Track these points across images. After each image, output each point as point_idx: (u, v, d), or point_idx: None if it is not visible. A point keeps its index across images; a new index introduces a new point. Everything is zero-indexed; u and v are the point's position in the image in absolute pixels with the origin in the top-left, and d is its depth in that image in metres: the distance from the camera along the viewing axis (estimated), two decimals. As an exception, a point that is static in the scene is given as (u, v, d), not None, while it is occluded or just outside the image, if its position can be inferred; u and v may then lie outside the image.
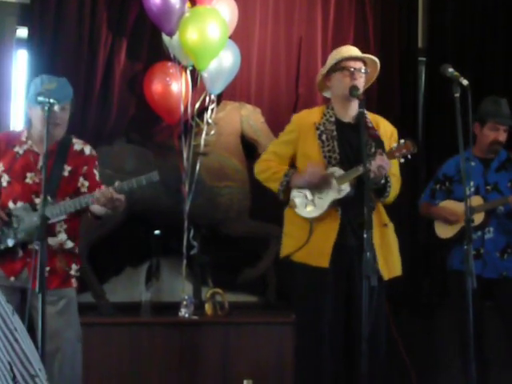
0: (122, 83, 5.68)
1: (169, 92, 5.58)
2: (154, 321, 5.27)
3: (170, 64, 5.59)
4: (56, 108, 3.95)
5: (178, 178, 5.48)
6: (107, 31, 5.62)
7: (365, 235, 3.41)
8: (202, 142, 5.67)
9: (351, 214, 3.92)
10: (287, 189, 4.07)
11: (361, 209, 3.58)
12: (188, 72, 5.60)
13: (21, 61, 5.64)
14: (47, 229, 3.95)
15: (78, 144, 4.18)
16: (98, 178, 4.16)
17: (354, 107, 4.07)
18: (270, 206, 5.86)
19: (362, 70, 4.03)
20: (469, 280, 3.38)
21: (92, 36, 5.59)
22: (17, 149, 4.05)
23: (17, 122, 5.52)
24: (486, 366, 4.73)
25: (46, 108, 3.75)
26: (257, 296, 6.04)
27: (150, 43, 5.71)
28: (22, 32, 5.58)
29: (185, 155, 5.56)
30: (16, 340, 1.34)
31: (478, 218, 4.76)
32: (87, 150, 4.19)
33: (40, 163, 4.05)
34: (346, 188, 3.88)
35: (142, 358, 5.05)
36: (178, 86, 5.58)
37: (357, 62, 4.04)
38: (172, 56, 5.53)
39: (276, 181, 4.08)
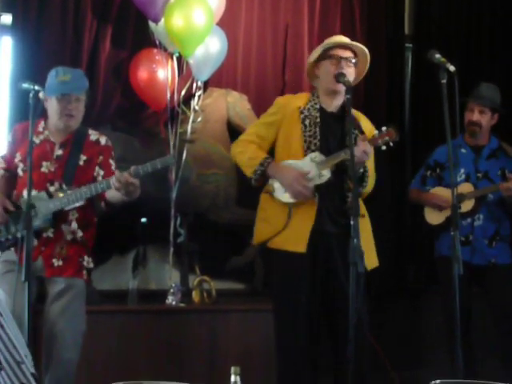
0: (108, 70, 5.64)
1: (155, 79, 5.55)
2: (141, 309, 5.27)
3: (155, 51, 5.56)
4: (71, 99, 4.06)
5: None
6: (92, 17, 5.58)
7: (352, 222, 3.40)
8: (189, 129, 5.65)
9: (328, 201, 3.91)
10: (261, 177, 4.04)
11: (338, 195, 3.58)
12: (174, 59, 5.58)
13: (5, 47, 5.60)
14: (60, 217, 3.99)
15: (93, 135, 4.24)
16: (113, 167, 4.18)
17: (339, 98, 4.05)
18: (257, 193, 5.87)
19: (352, 60, 4.00)
20: (455, 266, 3.39)
21: (77, 22, 5.55)
22: (34, 138, 4.03)
23: (1, 108, 5.48)
24: (473, 351, 4.75)
25: (31, 95, 3.75)
26: (244, 283, 6.04)
27: (135, 30, 5.67)
28: (6, 19, 5.53)
29: (171, 142, 5.55)
30: (1, 326, 1.33)
31: (468, 205, 4.77)
32: (103, 140, 4.23)
33: (56, 152, 4.08)
34: (326, 173, 3.86)
35: (129, 345, 5.04)
36: (164, 72, 5.55)
37: (346, 51, 4.01)
38: (158, 42, 5.50)
39: (251, 167, 4.04)
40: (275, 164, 4.00)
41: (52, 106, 4.10)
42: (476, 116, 4.89)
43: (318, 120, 3.99)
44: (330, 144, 3.92)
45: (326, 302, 3.94)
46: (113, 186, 3.89)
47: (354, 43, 4.09)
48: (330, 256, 3.93)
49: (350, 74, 3.97)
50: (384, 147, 3.86)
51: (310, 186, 3.89)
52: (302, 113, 4.01)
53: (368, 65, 4.08)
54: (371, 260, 3.96)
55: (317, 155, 3.91)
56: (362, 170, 3.85)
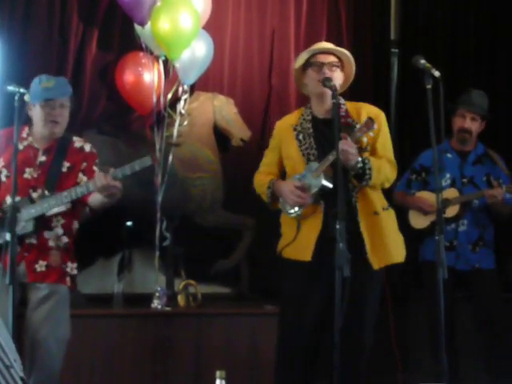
0: (94, 73, 5.64)
1: (141, 82, 5.55)
2: (126, 312, 5.25)
3: (141, 54, 5.56)
4: (55, 105, 4.02)
5: (150, 169, 5.45)
6: (78, 20, 5.57)
7: (337, 226, 3.41)
8: (175, 133, 5.65)
9: (334, 206, 3.90)
10: (274, 199, 4.08)
11: (343, 197, 3.57)
12: (160, 62, 5.58)
13: (-9, 50, 5.58)
14: (43, 223, 3.97)
15: (78, 142, 4.20)
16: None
17: (329, 102, 4.05)
18: (243, 197, 5.88)
19: (336, 65, 4.00)
20: (440, 270, 3.40)
21: (63, 25, 5.54)
22: (18, 145, 3.99)
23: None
24: (457, 355, 4.77)
25: (17, 97, 3.75)
26: (230, 287, 6.04)
27: (121, 33, 5.67)
28: (-8, 21, 5.52)
29: (157, 146, 5.54)
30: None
31: (453, 211, 4.79)
32: (87, 147, 4.20)
33: (39, 159, 4.07)
34: (320, 180, 3.87)
35: (115, 349, 5.03)
36: (150, 76, 5.55)
37: (328, 56, 4.01)
38: (144, 46, 5.50)
39: (263, 194, 4.14)
40: (277, 182, 4.05)
41: (36, 113, 4.07)
42: (468, 123, 4.91)
43: (311, 130, 4.01)
44: (326, 150, 3.92)
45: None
46: (93, 188, 3.87)
47: (335, 48, 4.08)
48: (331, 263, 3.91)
49: (336, 78, 3.96)
50: (365, 139, 3.85)
51: (304, 194, 3.90)
52: (295, 130, 4.04)
53: (354, 68, 4.08)
54: (386, 257, 3.94)
55: (312, 165, 3.92)
56: (360, 165, 3.84)
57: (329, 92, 3.87)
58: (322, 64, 3.96)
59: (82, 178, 4.09)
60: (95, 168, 4.15)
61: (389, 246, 3.95)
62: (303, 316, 3.92)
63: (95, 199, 3.99)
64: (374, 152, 3.97)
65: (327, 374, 3.93)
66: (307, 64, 4.03)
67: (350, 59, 4.04)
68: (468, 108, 4.90)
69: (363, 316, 3.89)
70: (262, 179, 4.16)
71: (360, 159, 3.81)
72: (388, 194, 4.18)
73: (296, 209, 3.93)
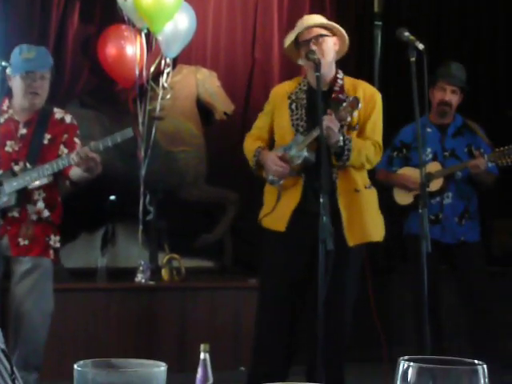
0: (75, 46, 5.59)
1: (123, 55, 5.51)
2: (110, 286, 5.26)
3: (124, 27, 5.52)
4: (35, 77, 3.99)
5: (133, 143, 5.43)
6: (60, -8, 5.52)
7: (321, 200, 3.41)
8: (158, 107, 5.62)
9: (315, 180, 3.91)
10: (259, 167, 4.08)
11: (326, 171, 3.58)
12: (143, 35, 5.54)
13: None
14: (25, 196, 3.95)
15: (58, 113, 4.18)
16: (78, 146, 4.11)
17: (326, 74, 4.01)
18: (226, 171, 5.88)
19: (322, 36, 3.97)
20: (423, 243, 3.41)
21: (44, -3, 5.49)
22: None
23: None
24: (440, 328, 4.80)
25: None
26: (213, 261, 6.05)
27: (103, 5, 5.62)
28: (-28, -6, 5.46)
29: (140, 120, 5.52)
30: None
31: (437, 184, 4.80)
32: (68, 118, 4.17)
33: (20, 131, 4.04)
34: (303, 153, 3.87)
35: (99, 323, 5.04)
36: (133, 49, 5.51)
37: (312, 30, 4.00)
38: (126, 19, 5.45)
39: (250, 160, 4.14)
40: (263, 152, 4.05)
41: (16, 84, 4.04)
42: (448, 96, 4.90)
43: (305, 102, 4.00)
44: (316, 123, 3.91)
45: (314, 281, 3.95)
46: (72, 162, 3.85)
47: (318, 22, 4.06)
48: (313, 235, 3.93)
49: (324, 50, 3.93)
50: (349, 118, 3.85)
51: (285, 165, 3.90)
52: (289, 98, 4.03)
53: (345, 37, 4.03)
54: (362, 235, 3.95)
55: (299, 137, 3.92)
56: (341, 144, 3.84)
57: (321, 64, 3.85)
58: (308, 41, 3.95)
59: (64, 150, 4.07)
60: (76, 140, 4.13)
61: (367, 224, 3.95)
62: (279, 284, 3.96)
63: (75, 172, 3.97)
64: (362, 132, 3.95)
65: (307, 348, 3.98)
66: (297, 41, 4.02)
67: (337, 28, 4.02)
68: (448, 80, 4.90)
69: (340, 291, 3.90)
70: (251, 144, 4.14)
71: (341, 138, 3.81)
72: (371, 172, 4.18)
73: (276, 179, 3.95)
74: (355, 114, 3.84)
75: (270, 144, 4.10)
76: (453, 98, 4.91)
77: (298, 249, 3.93)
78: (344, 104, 3.83)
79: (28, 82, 4.01)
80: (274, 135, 4.12)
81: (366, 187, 3.99)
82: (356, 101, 3.80)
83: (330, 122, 3.74)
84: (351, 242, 3.88)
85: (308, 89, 4.03)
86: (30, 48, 4.07)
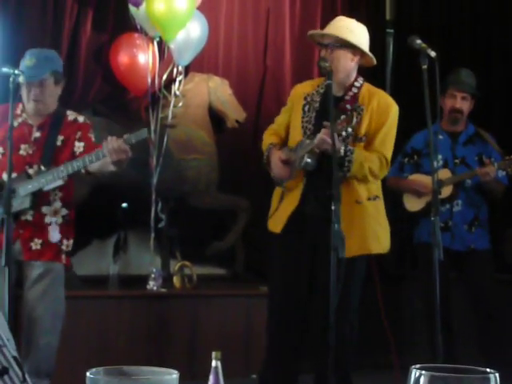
0: (88, 54, 5.61)
1: (136, 63, 5.53)
2: (121, 294, 5.26)
3: (136, 35, 5.53)
4: (34, 84, 3.99)
5: (145, 151, 5.45)
6: (72, 1, 5.54)
7: (333, 207, 3.40)
8: (170, 114, 5.63)
9: (315, 185, 3.91)
10: (269, 164, 4.08)
11: (325, 180, 3.57)
12: (155, 43, 5.55)
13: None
14: (41, 198, 3.96)
15: (71, 115, 4.19)
16: (93, 140, 4.12)
17: (343, 80, 3.97)
18: (238, 178, 5.88)
19: (331, 44, 3.95)
20: (436, 252, 3.40)
21: (57, 6, 5.51)
22: (12, 121, 3.96)
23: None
24: (452, 336, 4.78)
25: (11, 79, 3.74)
26: (225, 268, 6.05)
27: (116, 14, 5.64)
28: (-14, 2, 5.49)
29: (152, 127, 5.53)
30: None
31: (447, 191, 4.79)
32: (81, 118, 4.20)
33: (34, 135, 4.06)
34: (305, 159, 3.87)
35: (110, 331, 5.04)
36: (145, 57, 5.53)
37: (323, 38, 4.00)
38: (139, 27, 5.47)
39: (263, 154, 4.12)
40: (272, 150, 4.05)
41: (22, 91, 4.08)
42: (459, 103, 4.89)
43: (317, 105, 3.99)
44: (322, 128, 3.90)
45: (315, 288, 3.95)
46: (105, 151, 3.80)
47: (319, 32, 4.07)
48: (312, 239, 3.93)
49: (335, 57, 3.91)
50: (344, 133, 3.82)
51: (286, 169, 3.92)
52: (305, 99, 4.03)
53: (365, 46, 4.00)
54: (358, 247, 3.92)
55: (305, 141, 3.92)
56: (341, 155, 3.82)
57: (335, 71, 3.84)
58: (320, 45, 3.98)
59: (78, 144, 4.08)
60: (90, 135, 4.14)
61: (366, 237, 3.92)
62: (280, 286, 4.00)
63: (93, 165, 3.95)
64: (370, 143, 3.90)
65: (314, 355, 3.98)
66: None
67: (353, 34, 3.97)
68: (458, 87, 4.89)
69: (342, 300, 3.86)
70: (266, 139, 4.15)
71: (343, 149, 3.79)
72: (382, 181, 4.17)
73: (278, 180, 3.97)
74: (349, 129, 3.81)
75: (286, 141, 4.10)
76: (463, 104, 4.90)
77: (295, 251, 3.95)
78: (342, 117, 3.81)
79: (28, 89, 4.03)
80: (289, 134, 4.13)
81: (369, 199, 3.94)
82: (350, 118, 3.78)
83: (324, 133, 3.75)
84: (348, 253, 3.81)
85: (324, 92, 4.02)
86: (33, 54, 4.06)
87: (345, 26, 4.01)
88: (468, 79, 4.91)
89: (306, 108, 4.01)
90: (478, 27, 6.54)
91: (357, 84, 3.98)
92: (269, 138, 4.15)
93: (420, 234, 4.89)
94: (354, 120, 3.78)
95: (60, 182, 3.99)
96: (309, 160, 3.83)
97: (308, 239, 3.94)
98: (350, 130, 3.81)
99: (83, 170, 4.01)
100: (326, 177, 3.56)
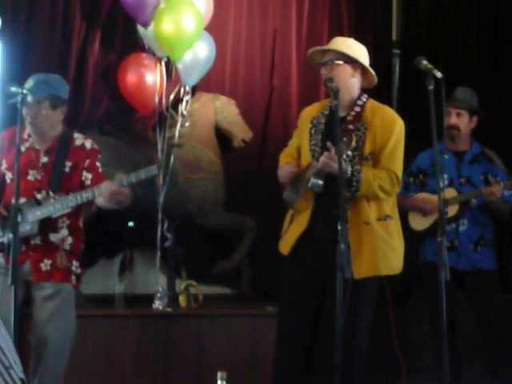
0: (96, 74, 5.64)
1: (143, 83, 5.55)
2: (127, 313, 5.25)
3: (144, 55, 5.56)
4: (30, 106, 3.97)
5: (152, 170, 5.44)
6: (81, 21, 5.58)
7: (339, 227, 3.40)
8: (177, 134, 5.65)
9: (323, 206, 3.91)
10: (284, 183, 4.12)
11: (333, 201, 3.57)
12: (163, 63, 5.58)
13: (-6, 51, 5.59)
14: (48, 225, 3.97)
15: (79, 139, 4.17)
16: (100, 170, 4.13)
17: (344, 100, 3.97)
18: (244, 198, 5.89)
19: (334, 62, 3.96)
20: (442, 271, 3.39)
21: (65, 26, 5.55)
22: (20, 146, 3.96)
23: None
24: (459, 357, 4.76)
25: (19, 99, 3.75)
26: (231, 288, 6.04)
27: (124, 33, 5.67)
28: (-5, 22, 5.53)
29: (159, 147, 5.54)
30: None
31: (453, 210, 4.79)
32: (88, 144, 4.18)
33: (41, 160, 4.07)
34: (311, 180, 3.87)
35: (116, 350, 5.03)
36: (153, 77, 5.56)
37: (324, 55, 4.02)
38: (147, 47, 5.50)
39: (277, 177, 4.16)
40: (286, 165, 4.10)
41: (24, 114, 4.05)
42: (454, 119, 4.91)
43: (323, 127, 4.00)
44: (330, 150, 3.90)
45: (324, 308, 3.94)
46: (99, 195, 3.86)
47: (320, 48, 4.10)
48: (321, 260, 3.92)
49: (335, 75, 3.91)
50: (344, 155, 3.80)
51: (294, 188, 3.95)
52: (311, 122, 4.05)
53: (362, 58, 4.01)
54: (368, 268, 3.87)
55: (314, 163, 3.93)
56: (349, 175, 3.81)
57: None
58: (320, 65, 3.99)
59: (87, 175, 4.09)
60: (98, 164, 4.15)
61: (376, 258, 3.88)
62: (290, 307, 4.00)
63: (100, 201, 3.99)
64: (378, 161, 3.89)
65: (322, 375, 3.97)
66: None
67: (351, 49, 3.99)
68: (452, 104, 4.91)
69: (352, 319, 3.84)
70: (282, 160, 4.18)
71: (349, 170, 3.79)
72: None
73: (289, 198, 3.97)
74: (349, 152, 3.81)
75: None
76: (459, 121, 4.91)
77: (305, 272, 3.94)
78: (344, 139, 3.80)
79: (25, 111, 4.01)
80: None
81: (379, 219, 3.92)
82: (349, 140, 3.78)
83: (326, 157, 3.77)
84: (357, 274, 3.81)
85: (329, 114, 4.03)
86: (34, 77, 4.04)
87: (343, 43, 4.06)
88: (463, 96, 4.94)
89: (313, 131, 4.02)
90: (485, 47, 6.56)
91: (359, 102, 3.98)
92: (284, 159, 4.18)
93: (425, 253, 4.89)
94: (353, 143, 3.78)
95: (68, 210, 4.01)
96: (315, 181, 3.84)
97: (317, 260, 3.94)
98: (349, 152, 3.80)
99: (93, 207, 4.05)
100: (333, 198, 3.56)
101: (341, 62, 3.95)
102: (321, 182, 3.82)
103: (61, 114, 4.12)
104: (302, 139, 4.08)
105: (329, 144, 3.78)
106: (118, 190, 3.83)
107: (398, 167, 3.95)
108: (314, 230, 3.93)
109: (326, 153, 3.77)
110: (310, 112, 4.13)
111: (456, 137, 4.92)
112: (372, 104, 4.02)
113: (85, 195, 3.92)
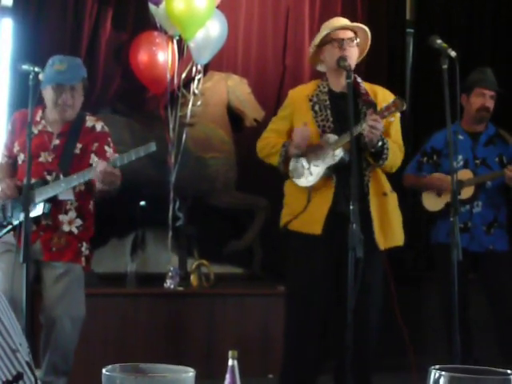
0: (108, 53, 5.62)
1: (155, 62, 5.53)
2: (139, 292, 5.27)
3: (156, 33, 5.54)
4: (65, 89, 4.00)
5: (164, 149, 5.45)
6: (92, 0, 5.55)
7: (351, 207, 3.39)
8: (189, 113, 5.63)
9: (346, 182, 3.89)
10: (286, 159, 4.05)
11: (356, 176, 3.57)
12: (174, 42, 5.56)
13: (6, 29, 5.57)
14: (57, 206, 3.98)
15: (90, 121, 4.19)
16: (109, 154, 4.12)
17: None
18: (256, 177, 5.87)
19: (354, 40, 3.99)
20: (454, 252, 3.38)
21: (77, 5, 5.52)
22: (32, 128, 3.95)
23: (1, 90, 5.46)
24: (471, 337, 4.75)
25: (31, 76, 3.74)
26: (242, 267, 6.04)
27: (135, 12, 5.65)
28: (7, 0, 5.51)
29: (171, 126, 5.53)
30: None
31: (468, 192, 4.76)
32: (99, 126, 4.18)
33: (53, 142, 4.07)
34: (339, 153, 3.85)
35: (127, 329, 5.05)
36: (165, 55, 5.53)
37: (346, 32, 4.00)
38: (158, 25, 5.47)
39: (275, 154, 4.07)
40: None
41: (48, 95, 4.06)
42: (489, 102, 4.87)
43: (328, 102, 4.00)
44: (342, 124, 3.89)
45: (340, 286, 3.92)
46: (94, 176, 3.87)
47: (354, 24, 4.08)
48: (344, 239, 3.91)
49: (353, 54, 3.96)
50: (392, 119, 3.85)
51: (307, 164, 3.93)
52: (310, 100, 4.02)
53: (369, 42, 4.07)
54: (392, 238, 3.95)
55: (330, 136, 3.91)
56: (380, 144, 3.82)
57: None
58: (342, 40, 3.95)
59: (95, 158, 4.08)
60: (107, 148, 4.14)
61: (394, 229, 3.97)
62: (313, 290, 3.93)
63: (99, 185, 3.98)
64: (387, 136, 3.95)
65: (334, 353, 3.96)
66: (325, 40, 4.01)
67: (367, 35, 4.04)
68: (487, 86, 4.86)
69: (371, 296, 3.88)
70: (271, 141, 4.12)
71: (381, 137, 3.81)
72: (394, 176, 4.18)
73: (309, 178, 3.92)
74: (399, 115, 3.84)
75: None
76: (491, 103, 4.87)
77: (333, 252, 3.90)
78: (386, 104, 3.81)
79: (58, 93, 4.02)
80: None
81: (390, 191, 4.01)
82: (400, 102, 3.78)
83: (375, 121, 3.73)
84: (382, 245, 3.87)
85: (328, 90, 4.03)
86: (63, 59, 4.08)
87: (344, 20, 4.12)
88: (493, 78, 4.90)
89: (317, 108, 4.00)
90: (500, 26, 6.50)
91: (359, 80, 4.05)
92: (276, 139, 4.11)
93: (437, 234, 4.87)
94: (404, 106, 3.82)
95: (71, 196, 4.01)
96: (343, 154, 3.83)
97: (343, 238, 3.92)
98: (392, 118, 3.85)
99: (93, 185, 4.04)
100: (355, 174, 3.55)
101: (358, 42, 3.98)
102: (347, 155, 3.81)
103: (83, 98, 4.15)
104: (299, 120, 4.03)
105: (369, 112, 3.78)
106: (111, 170, 3.82)
107: (401, 141, 4.07)
108: (337, 208, 3.90)
109: (372, 116, 3.75)
110: (302, 93, 4.11)
111: (486, 118, 4.89)
112: (366, 85, 4.10)
113: (86, 175, 3.91)
